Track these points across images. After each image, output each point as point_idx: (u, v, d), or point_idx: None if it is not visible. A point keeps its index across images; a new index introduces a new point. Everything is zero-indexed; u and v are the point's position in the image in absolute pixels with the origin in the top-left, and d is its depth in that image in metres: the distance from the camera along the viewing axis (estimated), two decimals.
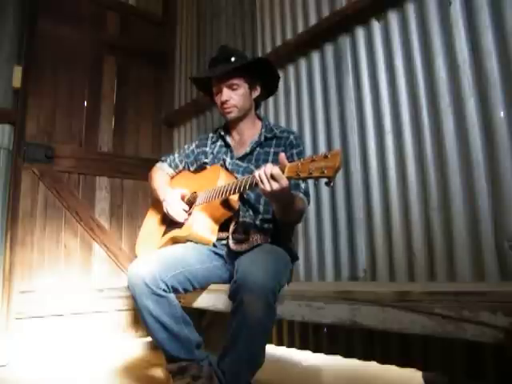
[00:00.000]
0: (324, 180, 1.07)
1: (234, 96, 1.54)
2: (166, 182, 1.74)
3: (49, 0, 2.52)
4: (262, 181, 1.18)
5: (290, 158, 1.47)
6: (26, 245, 2.25)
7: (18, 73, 2.39)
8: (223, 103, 1.55)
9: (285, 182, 1.16)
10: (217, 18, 2.74)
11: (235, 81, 1.54)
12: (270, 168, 1.17)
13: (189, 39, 3.01)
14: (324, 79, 1.95)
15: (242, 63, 1.54)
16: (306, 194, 1.47)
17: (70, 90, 2.56)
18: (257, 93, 1.61)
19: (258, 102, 1.67)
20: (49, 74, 2.48)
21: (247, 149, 1.58)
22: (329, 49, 1.94)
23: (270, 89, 1.68)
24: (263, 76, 1.60)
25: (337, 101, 1.88)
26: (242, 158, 1.59)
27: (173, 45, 3.13)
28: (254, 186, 1.25)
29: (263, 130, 1.59)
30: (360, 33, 1.81)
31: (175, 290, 1.33)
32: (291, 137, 1.56)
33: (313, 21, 2.01)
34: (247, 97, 1.58)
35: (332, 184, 1.07)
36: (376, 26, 1.74)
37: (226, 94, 1.54)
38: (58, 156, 2.42)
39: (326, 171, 1.04)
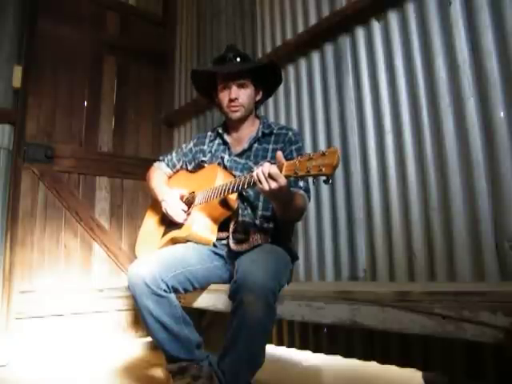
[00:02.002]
0: (322, 178, 1.07)
1: (242, 95, 1.54)
2: (164, 181, 1.74)
3: (49, 0, 2.52)
4: (260, 180, 1.18)
5: (290, 155, 1.47)
6: (26, 245, 2.25)
7: (17, 73, 2.40)
8: (232, 101, 1.53)
9: (283, 181, 1.16)
10: (217, 18, 2.74)
11: (246, 80, 1.54)
12: (267, 167, 1.16)
13: (189, 39, 3.01)
14: (324, 79, 1.95)
15: (258, 65, 1.57)
16: (307, 190, 1.47)
17: (70, 90, 2.56)
18: (259, 97, 1.63)
19: (256, 106, 1.68)
20: (49, 74, 2.48)
21: (245, 145, 1.58)
22: (329, 49, 1.94)
23: (267, 94, 1.70)
24: (265, 81, 1.61)
25: (337, 101, 1.87)
26: (240, 155, 1.59)
27: (173, 45, 3.13)
28: (252, 185, 1.25)
29: (260, 126, 1.59)
30: (360, 33, 1.81)
31: (175, 290, 1.33)
32: (290, 133, 1.55)
33: (313, 21, 2.01)
34: (252, 98, 1.59)
35: (330, 181, 1.06)
36: (376, 26, 1.74)
37: (236, 91, 1.53)
38: (57, 156, 2.42)
39: (323, 169, 1.03)
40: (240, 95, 1.54)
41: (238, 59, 1.55)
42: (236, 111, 1.55)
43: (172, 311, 1.29)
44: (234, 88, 1.53)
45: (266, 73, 1.58)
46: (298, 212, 1.42)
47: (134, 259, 1.49)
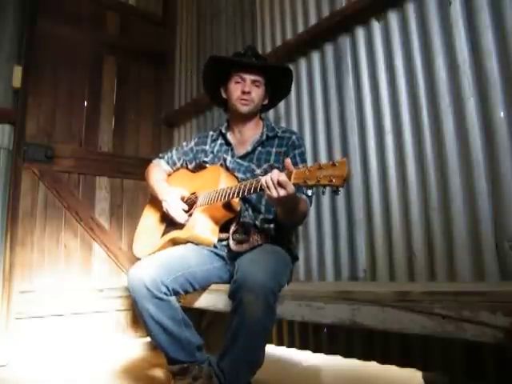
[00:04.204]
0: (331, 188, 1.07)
1: (255, 92, 1.55)
2: (164, 179, 1.73)
3: (49, 0, 2.52)
4: (268, 187, 1.18)
5: (293, 159, 1.47)
6: (26, 245, 2.25)
7: (17, 73, 2.39)
8: (244, 93, 1.54)
9: (291, 189, 1.16)
10: (217, 18, 2.74)
11: (260, 79, 1.56)
12: (276, 175, 1.16)
13: (189, 39, 3.01)
14: (324, 79, 1.95)
15: (278, 66, 1.64)
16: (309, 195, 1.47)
17: (70, 90, 2.56)
18: (266, 101, 1.64)
19: (261, 110, 1.69)
20: (49, 74, 2.48)
21: (248, 147, 1.58)
22: (329, 49, 1.94)
23: (271, 104, 1.72)
24: (274, 89, 1.63)
25: (337, 101, 1.87)
26: (243, 157, 1.58)
27: (173, 45, 3.13)
28: (259, 191, 1.25)
29: (265, 129, 1.59)
30: (360, 33, 1.80)
31: (176, 293, 1.33)
32: (293, 137, 1.56)
33: (313, 21, 2.00)
34: (262, 99, 1.60)
35: (339, 193, 1.07)
36: (376, 26, 1.74)
37: (250, 86, 1.54)
38: (57, 156, 2.42)
39: (334, 180, 1.04)
40: (253, 91, 1.55)
41: (257, 59, 1.57)
42: (246, 104, 1.55)
43: (173, 314, 1.29)
44: (249, 82, 1.54)
45: (278, 80, 1.60)
46: (300, 217, 1.42)
47: (134, 259, 1.49)
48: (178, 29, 3.14)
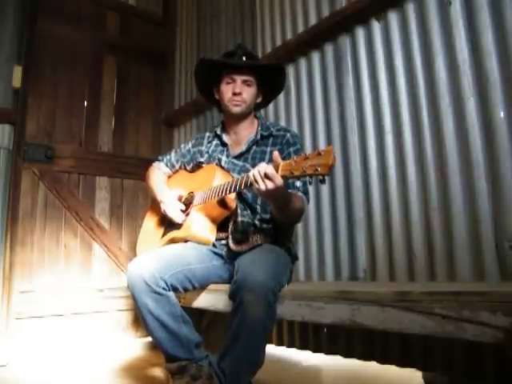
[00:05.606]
0: (319, 177, 1.07)
1: (246, 92, 1.53)
2: (163, 181, 1.74)
3: (49, 0, 2.52)
4: (256, 180, 1.17)
5: (288, 157, 1.46)
6: (26, 245, 2.25)
7: (17, 73, 2.40)
8: (235, 94, 1.51)
9: (279, 181, 1.15)
10: (217, 19, 2.74)
11: (251, 78, 1.54)
12: (263, 167, 1.16)
13: (189, 40, 3.01)
14: (324, 79, 1.95)
15: (269, 65, 1.62)
16: (305, 192, 1.46)
17: (70, 90, 2.56)
18: (259, 99, 1.62)
19: (255, 108, 1.67)
20: (49, 74, 2.48)
21: (243, 147, 1.57)
22: (329, 49, 1.94)
23: (267, 101, 1.70)
24: (267, 86, 1.61)
25: (337, 101, 1.88)
26: (238, 157, 1.58)
27: (173, 45, 3.13)
28: (248, 185, 1.25)
29: (259, 129, 1.58)
30: (360, 33, 1.81)
31: (175, 289, 1.33)
32: (287, 135, 1.54)
33: (313, 21, 2.01)
34: (254, 98, 1.58)
35: (325, 182, 1.07)
36: (376, 26, 1.74)
37: (241, 86, 1.52)
38: (57, 156, 2.42)
39: (319, 169, 1.03)
40: (244, 91, 1.53)
41: (248, 57, 1.54)
42: (238, 105, 1.53)
43: (171, 310, 1.29)
44: (239, 83, 1.52)
45: (271, 77, 1.58)
46: (296, 214, 1.41)
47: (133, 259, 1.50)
48: (178, 29, 3.15)
